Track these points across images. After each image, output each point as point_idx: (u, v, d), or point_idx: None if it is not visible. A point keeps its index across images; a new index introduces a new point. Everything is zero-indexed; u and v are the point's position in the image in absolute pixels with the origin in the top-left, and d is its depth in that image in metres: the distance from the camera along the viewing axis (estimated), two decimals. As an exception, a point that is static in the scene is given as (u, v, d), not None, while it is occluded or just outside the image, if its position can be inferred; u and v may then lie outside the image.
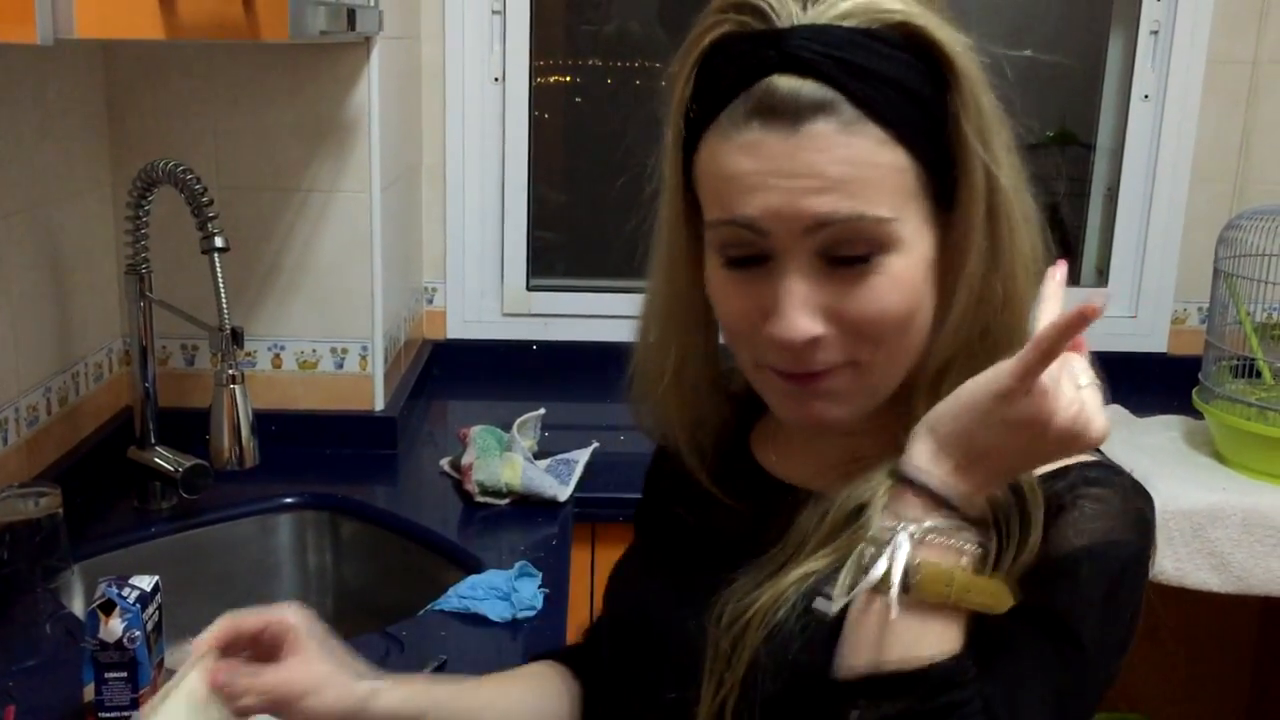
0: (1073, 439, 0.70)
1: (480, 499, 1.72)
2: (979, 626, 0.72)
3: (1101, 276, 2.46)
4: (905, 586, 0.69)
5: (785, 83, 0.73)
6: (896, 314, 0.76)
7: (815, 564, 0.78)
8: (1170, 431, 2.10)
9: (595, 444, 1.90)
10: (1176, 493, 1.83)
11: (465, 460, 1.77)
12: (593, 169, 2.49)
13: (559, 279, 2.45)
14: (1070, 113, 2.54)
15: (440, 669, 1.24)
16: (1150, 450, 2.00)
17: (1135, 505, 0.79)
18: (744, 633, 0.77)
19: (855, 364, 0.78)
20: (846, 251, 0.75)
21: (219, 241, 1.46)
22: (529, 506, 1.72)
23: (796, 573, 0.77)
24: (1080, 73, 2.48)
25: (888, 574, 0.70)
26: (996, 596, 0.71)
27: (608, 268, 2.43)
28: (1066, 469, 0.78)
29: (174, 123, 1.80)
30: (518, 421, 1.88)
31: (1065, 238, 2.56)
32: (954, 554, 0.71)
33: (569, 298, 2.41)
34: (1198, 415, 2.02)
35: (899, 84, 0.74)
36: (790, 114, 0.73)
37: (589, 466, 1.84)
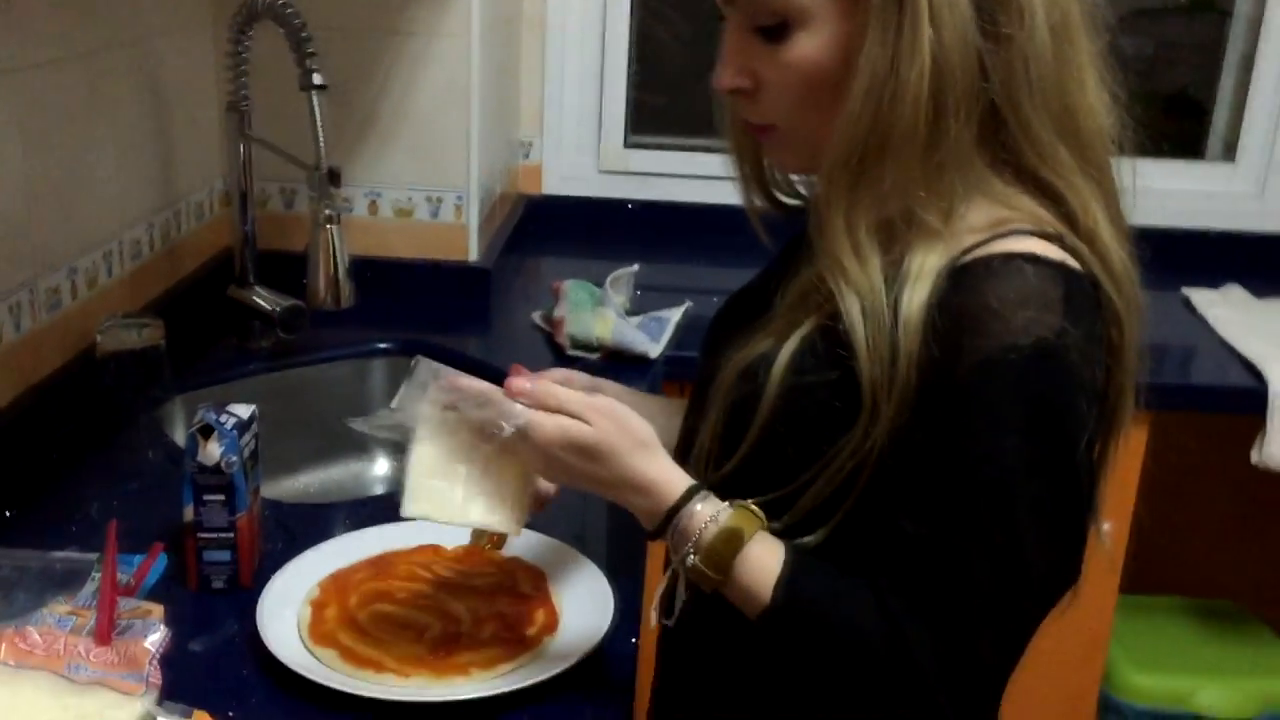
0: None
1: (571, 352, 1.72)
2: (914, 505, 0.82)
3: (1229, 152, 2.33)
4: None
5: None
6: (801, 84, 0.86)
7: (773, 331, 0.90)
8: (1291, 316, 2.01)
9: (688, 303, 1.88)
10: (1293, 377, 1.75)
11: (558, 313, 1.76)
12: (696, 26, 2.41)
13: (658, 137, 2.40)
14: (1206, -23, 2.38)
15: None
16: (1268, 334, 1.92)
17: (1042, 294, 0.80)
18: (724, 379, 0.92)
19: (777, 127, 0.90)
20: (760, 22, 0.86)
21: (318, 79, 1.45)
22: (620, 362, 1.71)
23: (760, 336, 0.92)
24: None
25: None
26: (742, 527, 0.86)
27: (707, 127, 2.37)
28: (972, 273, 0.81)
29: (274, -41, 1.78)
30: (611, 277, 1.86)
31: (1195, 109, 2.43)
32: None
33: (667, 156, 2.36)
34: (1323, 299, 1.93)
35: None
36: None
37: (680, 326, 1.82)
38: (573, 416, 0.90)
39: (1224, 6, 2.34)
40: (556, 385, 0.93)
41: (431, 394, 0.94)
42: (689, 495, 0.88)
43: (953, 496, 0.81)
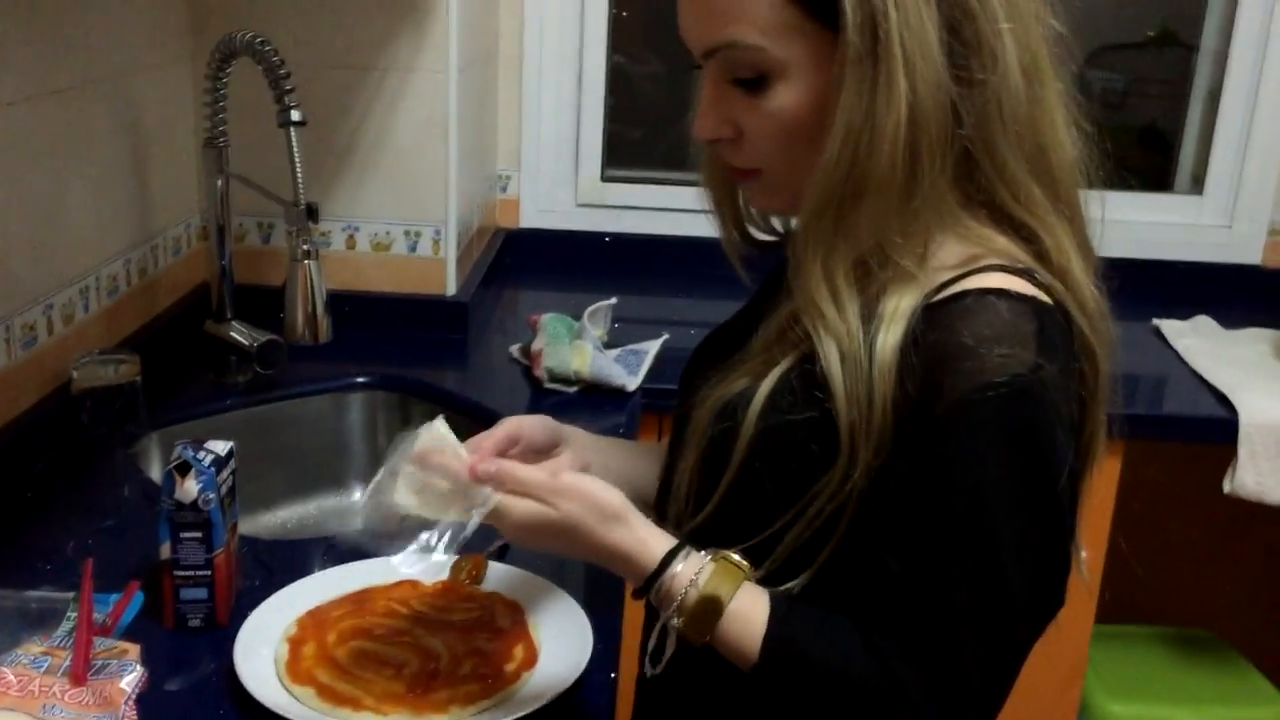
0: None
1: (549, 385, 1.72)
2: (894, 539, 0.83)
3: (1197, 184, 2.37)
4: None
5: None
6: (782, 132, 0.87)
7: (749, 370, 0.91)
8: (1260, 345, 2.04)
9: (665, 336, 1.89)
10: (1263, 407, 1.78)
11: (535, 346, 1.77)
12: (670, 63, 2.43)
13: (634, 171, 2.41)
14: (1172, 11, 2.42)
15: (504, 550, 1.25)
16: (1238, 363, 1.94)
17: (1016, 330, 0.81)
18: (700, 417, 0.92)
19: (761, 172, 0.91)
20: (738, 75, 0.87)
21: (296, 115, 1.45)
22: (597, 395, 1.72)
23: (738, 374, 0.92)
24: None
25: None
26: (721, 591, 0.86)
27: (683, 161, 2.39)
28: (945, 310, 0.82)
29: (252, -5, 1.79)
30: (589, 310, 1.87)
31: (1164, 142, 2.46)
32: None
33: (643, 190, 2.37)
34: (1291, 330, 1.96)
35: None
36: None
37: (658, 358, 1.83)
38: (538, 499, 0.88)
39: (1190, 41, 2.38)
40: (519, 466, 0.91)
41: (403, 480, 0.93)
42: (668, 559, 0.87)
43: (936, 533, 0.81)
